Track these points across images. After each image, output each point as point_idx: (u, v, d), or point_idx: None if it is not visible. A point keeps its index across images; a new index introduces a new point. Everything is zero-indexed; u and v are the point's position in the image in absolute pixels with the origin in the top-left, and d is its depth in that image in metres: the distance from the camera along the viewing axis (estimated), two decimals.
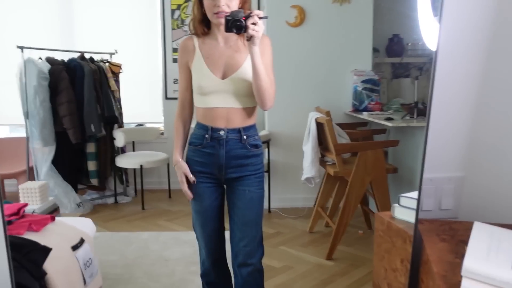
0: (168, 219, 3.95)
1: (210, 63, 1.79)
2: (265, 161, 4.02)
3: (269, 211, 4.08)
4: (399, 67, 4.54)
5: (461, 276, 0.79)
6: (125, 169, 4.56)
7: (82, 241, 1.58)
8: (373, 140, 3.58)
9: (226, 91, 1.77)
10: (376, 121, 3.39)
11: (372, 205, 3.61)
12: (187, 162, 1.87)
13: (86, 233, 1.68)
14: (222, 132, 1.78)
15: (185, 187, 1.84)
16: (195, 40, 1.84)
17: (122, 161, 4.27)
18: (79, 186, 4.32)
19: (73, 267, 1.46)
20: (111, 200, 4.39)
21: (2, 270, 1.02)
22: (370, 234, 3.50)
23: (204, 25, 1.80)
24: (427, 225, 1.04)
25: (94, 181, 4.22)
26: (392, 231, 1.09)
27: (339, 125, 3.49)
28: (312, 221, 3.61)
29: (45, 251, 1.31)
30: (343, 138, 3.33)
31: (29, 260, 1.22)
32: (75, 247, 1.52)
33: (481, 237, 0.90)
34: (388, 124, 3.12)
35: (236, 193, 1.84)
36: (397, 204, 1.15)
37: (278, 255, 3.16)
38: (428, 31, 1.79)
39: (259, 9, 4.53)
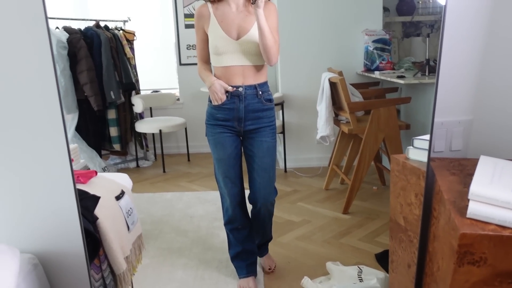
0: (189, 180, 4.12)
1: (224, 26, 2.02)
2: (280, 122, 4.14)
3: (285, 171, 4.23)
4: (410, 26, 4.55)
5: (468, 200, 0.92)
6: (144, 135, 4.71)
7: (123, 193, 1.74)
8: (386, 98, 3.66)
9: (239, 51, 2.00)
10: (388, 79, 3.46)
11: (386, 162, 3.73)
12: (209, 117, 2.10)
13: (125, 186, 1.84)
14: (240, 89, 2.03)
15: (222, 95, 2.02)
16: (210, 7, 2.06)
17: (141, 127, 4.42)
18: (103, 152, 4.48)
19: (118, 214, 1.63)
20: (133, 165, 4.57)
21: (72, 215, 1.19)
22: (384, 190, 3.63)
23: None
24: (439, 162, 1.16)
25: (117, 146, 4.38)
26: (406, 169, 1.22)
27: (352, 85, 3.57)
28: (328, 179, 3.74)
29: (94, 199, 1.47)
30: (356, 97, 3.42)
31: (82, 207, 1.38)
32: (117, 197, 1.68)
33: (486, 167, 1.02)
34: (400, 81, 3.19)
35: (254, 144, 2.10)
36: (411, 146, 1.28)
37: (296, 210, 3.32)
38: None
39: None
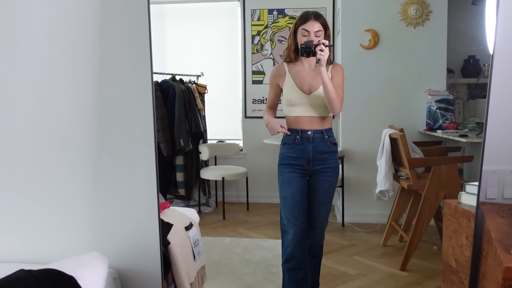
0: (247, 228, 4.24)
1: (298, 82, 2.31)
2: (339, 176, 4.21)
3: (343, 225, 4.24)
4: (476, 88, 4.55)
5: None
6: (208, 182, 4.94)
7: (191, 225, 1.91)
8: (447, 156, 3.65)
9: (309, 104, 2.28)
10: (450, 137, 3.48)
11: None
12: (282, 158, 2.34)
13: (193, 219, 2.01)
14: (309, 132, 2.27)
15: (278, 128, 2.28)
16: (285, 66, 2.38)
17: (206, 173, 4.66)
18: (168, 196, 4.74)
19: (186, 242, 1.79)
20: (195, 210, 4.77)
21: (153, 239, 1.37)
22: None
23: (295, 54, 2.33)
24: (489, 206, 1.22)
25: (182, 191, 4.63)
26: (458, 213, 1.28)
27: (413, 143, 3.60)
28: (386, 235, 3.72)
29: (168, 226, 1.64)
30: (417, 153, 3.45)
31: None
32: (187, 228, 1.85)
33: None
34: (462, 140, 3.21)
35: (318, 182, 2.33)
36: (463, 192, 1.34)
37: (353, 263, 3.32)
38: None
39: (333, 33, 4.83)
